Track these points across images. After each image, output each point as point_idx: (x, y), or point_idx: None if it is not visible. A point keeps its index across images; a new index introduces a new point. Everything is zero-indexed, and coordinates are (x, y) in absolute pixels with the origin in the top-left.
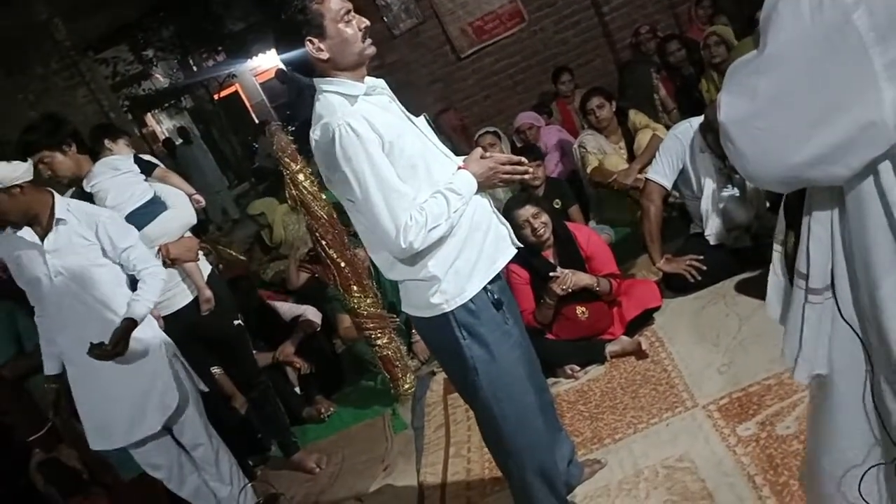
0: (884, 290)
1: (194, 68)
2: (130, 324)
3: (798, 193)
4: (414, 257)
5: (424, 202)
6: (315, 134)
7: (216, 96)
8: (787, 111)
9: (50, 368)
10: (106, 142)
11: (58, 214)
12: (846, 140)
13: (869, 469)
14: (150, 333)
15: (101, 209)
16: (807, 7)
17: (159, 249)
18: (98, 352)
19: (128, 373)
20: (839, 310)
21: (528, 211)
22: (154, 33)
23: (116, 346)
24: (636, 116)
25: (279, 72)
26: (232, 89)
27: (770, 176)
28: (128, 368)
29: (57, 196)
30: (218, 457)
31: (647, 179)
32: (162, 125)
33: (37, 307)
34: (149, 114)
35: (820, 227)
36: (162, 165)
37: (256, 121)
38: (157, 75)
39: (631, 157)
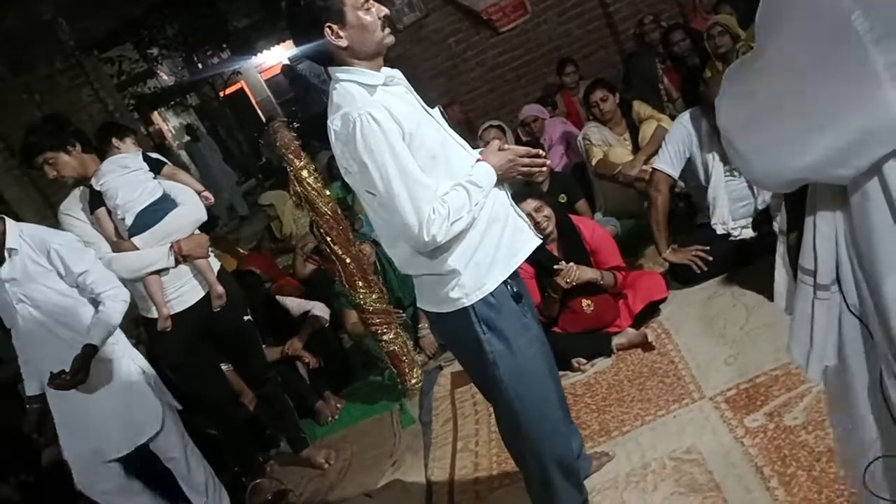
0: (887, 287)
1: (199, 66)
2: (91, 350)
3: (799, 189)
4: (433, 251)
5: (446, 194)
6: (334, 124)
7: (221, 93)
8: (790, 115)
9: (31, 389)
10: (114, 140)
11: (9, 244)
12: (851, 142)
13: (875, 459)
14: (119, 354)
15: (54, 233)
16: (803, 9)
17: (171, 246)
18: (58, 381)
19: (99, 395)
20: (845, 301)
21: (529, 205)
22: (158, 31)
23: (76, 374)
24: (640, 107)
25: (285, 67)
26: (237, 86)
27: (774, 179)
28: (99, 392)
29: (9, 223)
30: (190, 469)
31: (653, 169)
32: (168, 123)
33: (12, 330)
34: (155, 112)
35: (824, 223)
36: (170, 163)
37: (262, 117)
38: (162, 73)
39: (636, 149)
